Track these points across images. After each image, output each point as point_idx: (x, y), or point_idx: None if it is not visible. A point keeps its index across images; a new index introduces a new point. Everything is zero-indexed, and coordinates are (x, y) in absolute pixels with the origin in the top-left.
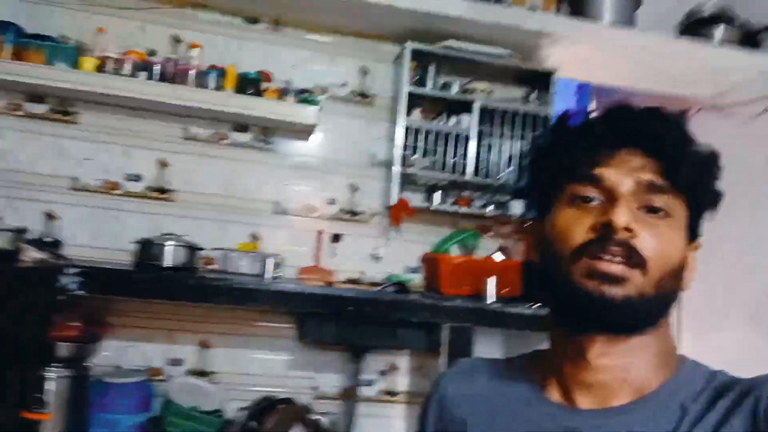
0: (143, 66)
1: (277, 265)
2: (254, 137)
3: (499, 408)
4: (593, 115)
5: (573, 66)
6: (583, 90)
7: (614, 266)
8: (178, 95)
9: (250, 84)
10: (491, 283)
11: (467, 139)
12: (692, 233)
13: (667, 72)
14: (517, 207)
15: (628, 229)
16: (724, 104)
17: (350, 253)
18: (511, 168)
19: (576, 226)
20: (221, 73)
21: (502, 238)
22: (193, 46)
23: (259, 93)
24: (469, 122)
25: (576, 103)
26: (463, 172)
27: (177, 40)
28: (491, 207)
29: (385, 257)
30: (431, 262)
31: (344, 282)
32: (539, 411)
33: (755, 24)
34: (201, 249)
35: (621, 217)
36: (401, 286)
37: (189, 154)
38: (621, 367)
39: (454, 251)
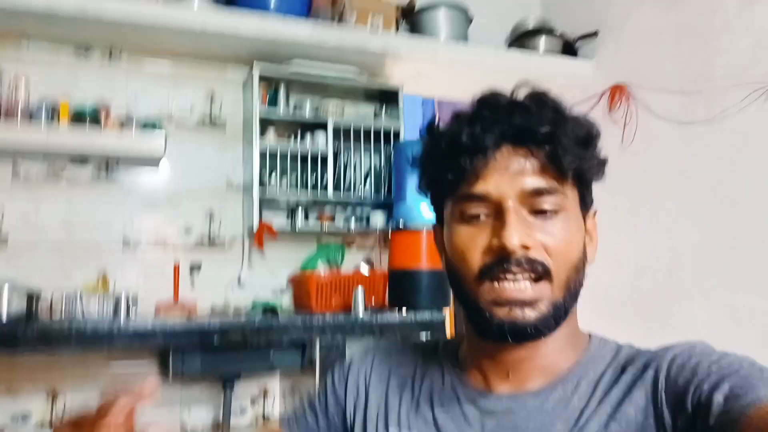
0: None
1: (131, 304)
2: (96, 170)
3: (416, 386)
4: (461, 118)
5: (417, 82)
6: (428, 104)
7: (521, 290)
8: (5, 133)
9: (87, 116)
10: (359, 296)
11: (324, 156)
12: (585, 205)
13: (500, 82)
14: (378, 219)
15: (524, 246)
16: None
17: (212, 282)
18: (369, 182)
19: (472, 249)
20: (54, 107)
21: (366, 250)
22: (18, 79)
23: (98, 125)
24: (325, 141)
25: (423, 117)
26: (324, 190)
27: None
28: (353, 221)
29: (250, 283)
30: (299, 282)
31: (208, 313)
32: (459, 394)
33: (571, 34)
34: (40, 295)
35: (513, 239)
36: (270, 310)
37: (22, 195)
38: (536, 357)
39: (321, 268)
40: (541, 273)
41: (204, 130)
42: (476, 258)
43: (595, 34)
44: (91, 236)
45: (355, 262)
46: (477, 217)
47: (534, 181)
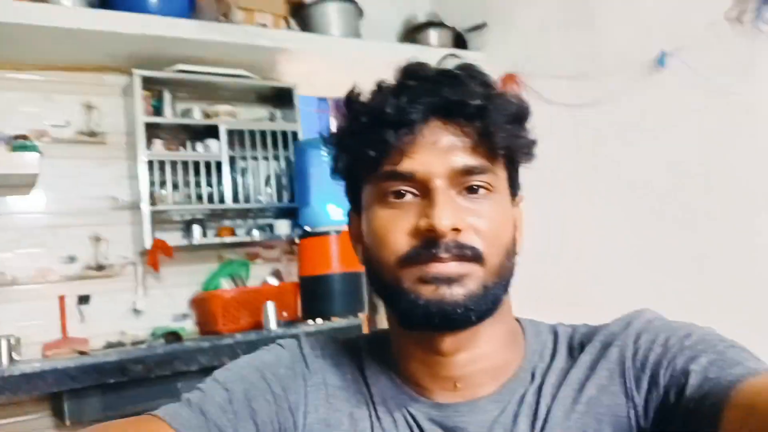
0: None
1: (14, 347)
2: None
3: (356, 394)
4: (384, 89)
5: (310, 81)
6: (323, 105)
7: (449, 266)
8: None
9: None
10: (270, 310)
11: (218, 165)
12: (513, 189)
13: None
14: (283, 227)
15: (454, 229)
16: None
17: (104, 313)
18: (269, 188)
19: (395, 232)
20: None
21: (273, 262)
22: None
23: None
24: (218, 147)
25: (319, 118)
26: (221, 201)
27: None
28: (256, 231)
29: (148, 310)
30: (202, 303)
31: (103, 348)
32: (408, 406)
33: (460, 27)
34: None
35: (443, 219)
36: (173, 336)
37: None
38: (480, 359)
39: (225, 285)
40: (471, 257)
41: (82, 146)
42: (400, 241)
43: (483, 25)
44: None
45: (261, 276)
46: (401, 196)
47: (465, 159)
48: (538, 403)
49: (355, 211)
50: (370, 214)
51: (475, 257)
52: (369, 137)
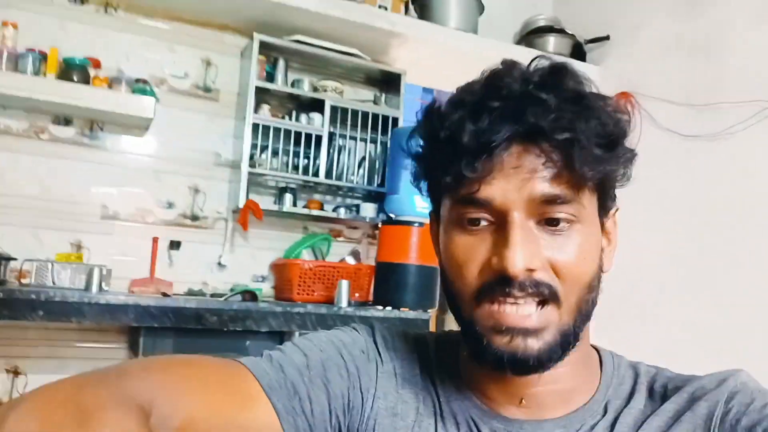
0: None
1: (104, 277)
2: (79, 131)
3: (423, 392)
4: (464, 105)
5: (418, 70)
6: (427, 95)
7: (524, 316)
8: None
9: (76, 70)
10: (344, 288)
11: (318, 139)
12: (605, 210)
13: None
14: (368, 210)
15: (529, 269)
16: None
17: (191, 262)
18: (362, 170)
19: (469, 263)
20: (41, 57)
21: (354, 242)
22: (5, 24)
23: (86, 81)
24: (321, 122)
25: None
26: (315, 174)
27: None
28: (343, 210)
29: (231, 266)
30: (281, 269)
31: (185, 293)
32: (471, 413)
33: (581, 37)
34: (11, 259)
35: (517, 263)
36: (250, 295)
37: None
38: (549, 382)
39: (306, 256)
40: (547, 296)
41: (196, 99)
42: (474, 274)
43: (606, 38)
44: (69, 202)
45: (340, 254)
46: (477, 222)
47: (546, 188)
48: None
49: (436, 215)
50: (448, 236)
51: (552, 296)
52: (446, 162)
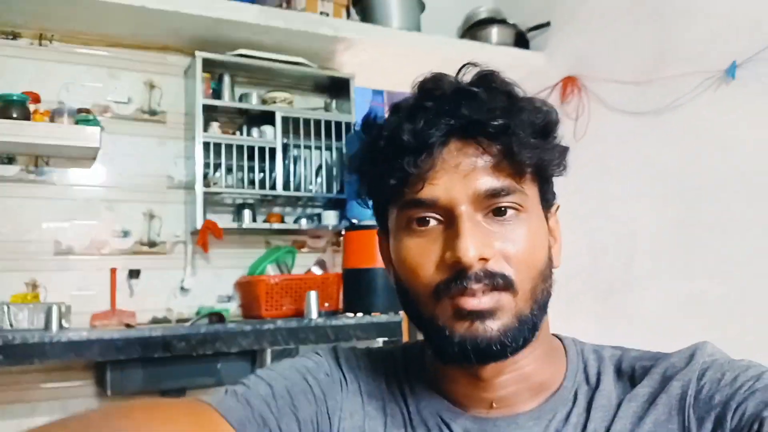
0: None
1: (64, 314)
2: (24, 168)
3: (391, 405)
4: (400, 110)
5: (367, 73)
6: (378, 97)
7: (481, 300)
8: None
9: (15, 107)
10: (312, 299)
11: (272, 152)
12: (546, 202)
13: (452, 73)
14: (330, 218)
15: (482, 259)
16: None
17: (153, 289)
18: (320, 178)
19: (423, 265)
20: None
21: (318, 252)
22: None
23: (26, 117)
24: (273, 134)
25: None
26: (273, 187)
27: None
28: (304, 220)
29: (195, 289)
30: (247, 286)
31: (149, 322)
32: (445, 418)
33: (523, 25)
34: None
35: (468, 252)
36: (217, 317)
37: None
38: (520, 378)
39: (270, 271)
40: (502, 286)
41: (143, 123)
42: (429, 273)
43: (547, 24)
44: (20, 241)
45: (306, 265)
46: (426, 223)
47: (489, 181)
48: (585, 426)
49: (383, 231)
50: (398, 243)
51: (507, 285)
52: (388, 165)
